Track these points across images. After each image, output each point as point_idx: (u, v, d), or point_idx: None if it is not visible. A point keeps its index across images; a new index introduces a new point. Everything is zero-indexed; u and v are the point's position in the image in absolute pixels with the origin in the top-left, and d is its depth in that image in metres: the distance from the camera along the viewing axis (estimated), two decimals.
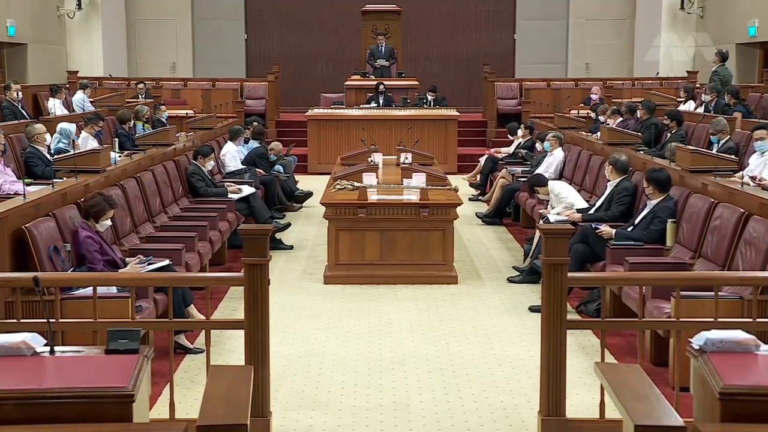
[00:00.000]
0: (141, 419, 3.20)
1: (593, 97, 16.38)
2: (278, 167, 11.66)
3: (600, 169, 8.95)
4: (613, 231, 6.91)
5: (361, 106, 16.33)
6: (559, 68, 21.19)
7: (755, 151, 7.99)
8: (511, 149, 13.09)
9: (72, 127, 9.69)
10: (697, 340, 3.49)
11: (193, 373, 5.55)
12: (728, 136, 8.94)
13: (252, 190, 9.51)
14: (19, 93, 12.07)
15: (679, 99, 13.84)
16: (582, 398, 5.02)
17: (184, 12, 21.22)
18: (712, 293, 4.49)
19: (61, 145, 9.37)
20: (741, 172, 7.36)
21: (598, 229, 7.00)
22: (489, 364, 5.74)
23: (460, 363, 5.76)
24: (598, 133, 11.01)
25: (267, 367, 4.44)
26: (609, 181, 7.86)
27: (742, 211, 5.82)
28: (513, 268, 8.34)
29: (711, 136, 9.05)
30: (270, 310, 4.44)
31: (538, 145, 11.47)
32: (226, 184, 9.41)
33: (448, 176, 9.85)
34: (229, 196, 9.13)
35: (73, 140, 9.04)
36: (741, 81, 15.74)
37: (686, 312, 4.62)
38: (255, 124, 12.75)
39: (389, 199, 8.11)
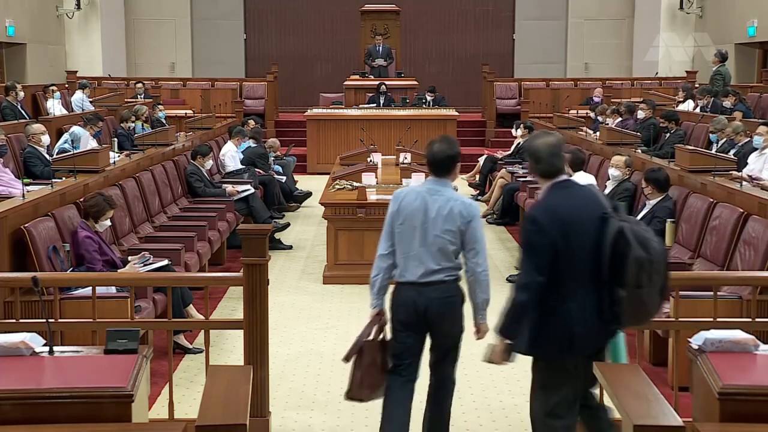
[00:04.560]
0: (140, 419, 3.20)
1: (596, 98, 16.36)
2: (276, 167, 11.64)
3: (599, 169, 8.94)
4: None
5: (361, 105, 16.32)
6: (558, 68, 21.19)
7: (754, 150, 7.98)
8: (510, 149, 13.08)
9: (83, 132, 9.67)
10: (696, 340, 3.50)
11: (192, 373, 5.54)
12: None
13: (251, 189, 9.50)
14: (19, 93, 12.04)
15: (678, 99, 13.82)
16: None
17: (183, 12, 21.22)
18: (711, 293, 4.49)
19: (66, 145, 9.36)
20: (740, 173, 7.36)
21: None
22: (488, 364, 5.72)
23: (459, 363, 5.73)
24: (597, 133, 11.01)
25: (266, 367, 4.44)
26: (608, 181, 7.86)
27: (741, 211, 5.82)
28: (515, 267, 8.33)
29: (710, 134, 9.05)
30: (269, 310, 4.44)
31: None
32: (224, 186, 9.39)
33: None
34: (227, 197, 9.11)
35: (72, 141, 9.03)
36: (740, 81, 15.75)
37: (685, 312, 4.62)
38: (251, 122, 12.73)
39: (388, 198, 8.08)
